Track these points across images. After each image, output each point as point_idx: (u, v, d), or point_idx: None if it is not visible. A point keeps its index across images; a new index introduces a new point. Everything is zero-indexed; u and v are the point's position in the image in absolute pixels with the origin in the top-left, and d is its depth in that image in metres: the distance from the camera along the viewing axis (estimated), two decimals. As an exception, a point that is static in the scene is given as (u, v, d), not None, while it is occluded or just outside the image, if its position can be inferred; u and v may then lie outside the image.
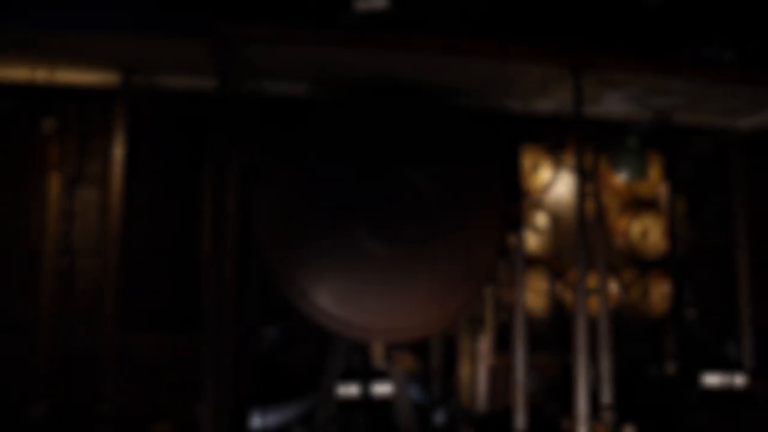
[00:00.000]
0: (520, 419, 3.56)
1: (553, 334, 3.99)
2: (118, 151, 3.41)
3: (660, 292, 4.13)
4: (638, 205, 4.22)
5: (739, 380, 3.65)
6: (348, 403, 3.22)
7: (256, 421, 3.49)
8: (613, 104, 3.81)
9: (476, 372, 3.86)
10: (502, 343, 3.81)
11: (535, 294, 3.99)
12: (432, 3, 3.51)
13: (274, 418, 3.54)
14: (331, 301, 3.25)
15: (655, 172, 4.21)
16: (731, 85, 3.55)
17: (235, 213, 3.24)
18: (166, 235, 3.68)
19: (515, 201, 3.83)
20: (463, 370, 3.90)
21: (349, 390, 3.22)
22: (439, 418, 3.72)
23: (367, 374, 3.29)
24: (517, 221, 3.75)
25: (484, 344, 3.85)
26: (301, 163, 3.37)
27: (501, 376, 3.81)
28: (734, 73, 3.54)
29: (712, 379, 3.63)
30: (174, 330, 3.57)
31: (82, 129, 3.61)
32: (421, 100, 3.58)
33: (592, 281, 3.75)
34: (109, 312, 3.35)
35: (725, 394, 3.62)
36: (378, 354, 3.54)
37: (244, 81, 3.47)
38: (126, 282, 3.42)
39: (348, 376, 3.27)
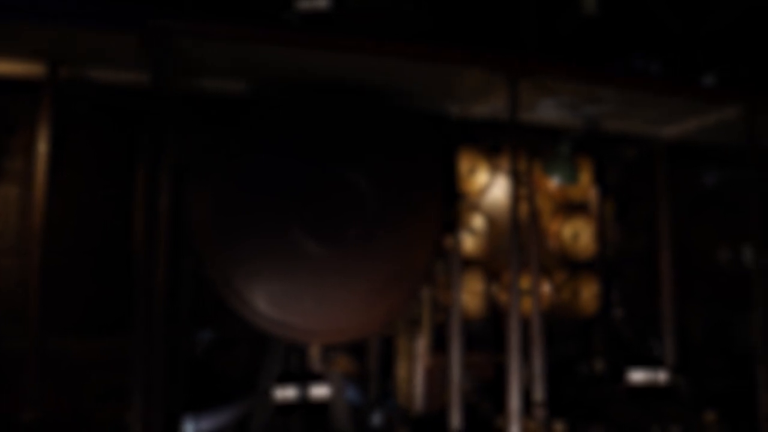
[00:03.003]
0: (455, 418, 3.61)
1: (488, 334, 4.08)
2: (42, 147, 3.25)
3: (590, 293, 4.29)
4: (570, 208, 4.37)
5: (662, 376, 3.83)
6: (285, 406, 3.18)
7: (189, 427, 3.40)
8: (546, 111, 3.93)
9: (413, 373, 3.89)
10: (440, 344, 3.86)
11: (471, 295, 4.06)
12: (375, 5, 3.53)
13: (208, 423, 3.45)
14: (267, 302, 3.20)
15: (585, 176, 4.37)
16: (657, 95, 3.71)
17: (168, 211, 3.14)
18: (97, 234, 3.53)
19: (452, 203, 3.89)
20: (401, 371, 3.92)
21: (287, 393, 3.19)
22: (376, 419, 3.72)
23: (304, 376, 3.27)
24: (454, 223, 3.81)
25: (422, 345, 3.89)
26: (238, 161, 3.31)
27: (438, 376, 3.86)
28: (660, 84, 3.72)
29: (637, 376, 3.79)
30: (103, 333, 3.43)
31: (2, 123, 3.42)
32: (360, 99, 3.58)
33: (526, 282, 3.86)
34: (32, 314, 3.18)
35: (649, 389, 3.79)
36: (314, 356, 3.52)
37: (179, 77, 3.37)
38: (52, 283, 3.25)
39: (285, 379, 3.23)
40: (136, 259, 2.88)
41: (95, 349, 3.40)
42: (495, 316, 4.10)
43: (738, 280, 4.16)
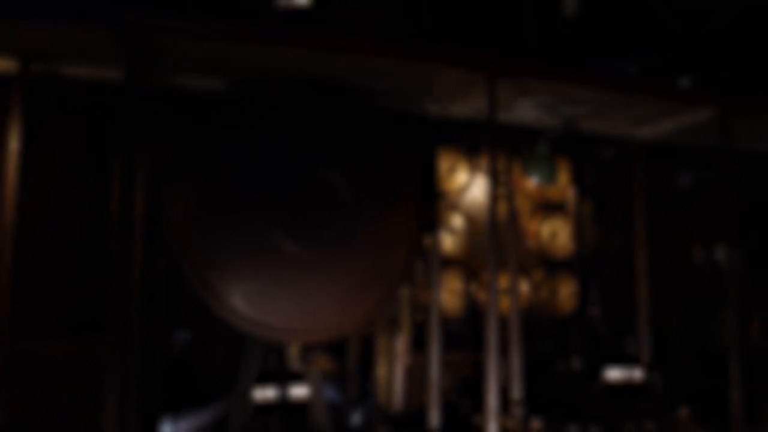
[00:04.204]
0: (434, 417, 3.62)
1: (467, 333, 4.10)
2: (14, 144, 3.18)
3: (567, 292, 4.33)
4: (548, 208, 4.41)
5: (637, 374, 3.89)
6: (264, 406, 3.16)
7: (167, 428, 3.36)
8: (525, 111, 3.95)
9: (393, 372, 3.89)
10: (419, 343, 3.87)
11: (450, 294, 4.08)
12: (355, 5, 3.51)
13: (185, 424, 3.42)
14: (245, 302, 3.18)
15: (563, 176, 4.42)
16: (634, 96, 3.75)
17: (144, 210, 3.10)
18: (72, 232, 3.46)
19: (431, 202, 3.90)
20: (380, 370, 3.92)
21: (266, 393, 3.17)
22: (355, 418, 3.72)
23: (283, 376, 3.25)
24: (433, 222, 3.82)
25: (401, 344, 3.90)
26: (216, 160, 3.27)
27: (417, 375, 3.87)
28: (637, 84, 3.76)
29: (613, 373, 3.85)
30: (79, 334, 3.37)
31: (-28, 119, 3.34)
32: (339, 98, 3.57)
33: (505, 281, 3.89)
34: (3, 314, 3.11)
35: (625, 386, 3.85)
36: (293, 355, 3.51)
37: (155, 74, 3.33)
38: (25, 282, 3.18)
39: (263, 379, 3.21)
40: (112, 258, 2.84)
41: (70, 350, 3.34)
42: (474, 314, 4.13)
43: (712, 280, 4.23)
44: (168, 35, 2.89)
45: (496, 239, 3.36)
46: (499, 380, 3.31)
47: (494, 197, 3.39)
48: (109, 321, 2.78)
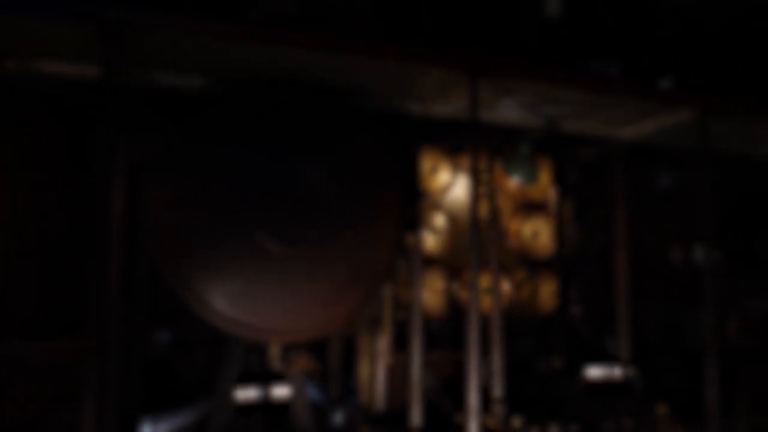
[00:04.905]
0: (415, 416, 3.63)
1: (449, 332, 4.11)
2: (-11, 142, 3.14)
3: (548, 291, 4.36)
4: (530, 207, 4.43)
5: (617, 372, 3.94)
6: (246, 407, 3.15)
7: (146, 430, 3.33)
8: (507, 111, 3.97)
9: (375, 371, 3.90)
10: (401, 342, 3.88)
11: (432, 293, 4.09)
12: (338, 4, 3.50)
13: (166, 425, 3.40)
14: (226, 302, 3.16)
15: (545, 176, 4.44)
16: (614, 97, 3.78)
17: (123, 209, 3.07)
18: (51, 233, 3.42)
19: (414, 202, 3.90)
20: (362, 370, 3.93)
21: (247, 393, 3.16)
22: (337, 418, 3.72)
23: (264, 376, 3.24)
24: (415, 222, 3.82)
25: (383, 343, 3.90)
26: (198, 160, 3.25)
27: (399, 374, 3.87)
28: (617, 85, 3.79)
29: (594, 372, 3.89)
30: (58, 335, 3.33)
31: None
32: (322, 97, 3.56)
33: (486, 281, 3.90)
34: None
35: (605, 384, 3.89)
36: (275, 355, 3.50)
37: (134, 71, 3.29)
38: (6, 283, 3.14)
39: (245, 379, 3.20)
40: (91, 259, 2.81)
41: (55, 350, 3.30)
42: (455, 314, 4.14)
43: (690, 280, 4.28)
44: (149, 32, 2.86)
45: (478, 239, 3.37)
46: (481, 379, 3.33)
47: (476, 197, 3.40)
48: (87, 321, 2.75)
